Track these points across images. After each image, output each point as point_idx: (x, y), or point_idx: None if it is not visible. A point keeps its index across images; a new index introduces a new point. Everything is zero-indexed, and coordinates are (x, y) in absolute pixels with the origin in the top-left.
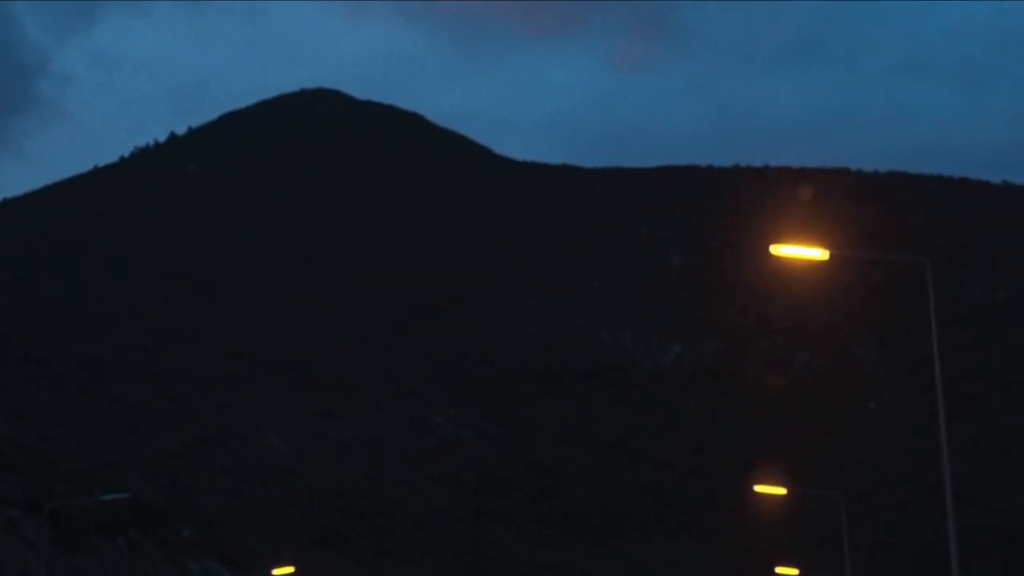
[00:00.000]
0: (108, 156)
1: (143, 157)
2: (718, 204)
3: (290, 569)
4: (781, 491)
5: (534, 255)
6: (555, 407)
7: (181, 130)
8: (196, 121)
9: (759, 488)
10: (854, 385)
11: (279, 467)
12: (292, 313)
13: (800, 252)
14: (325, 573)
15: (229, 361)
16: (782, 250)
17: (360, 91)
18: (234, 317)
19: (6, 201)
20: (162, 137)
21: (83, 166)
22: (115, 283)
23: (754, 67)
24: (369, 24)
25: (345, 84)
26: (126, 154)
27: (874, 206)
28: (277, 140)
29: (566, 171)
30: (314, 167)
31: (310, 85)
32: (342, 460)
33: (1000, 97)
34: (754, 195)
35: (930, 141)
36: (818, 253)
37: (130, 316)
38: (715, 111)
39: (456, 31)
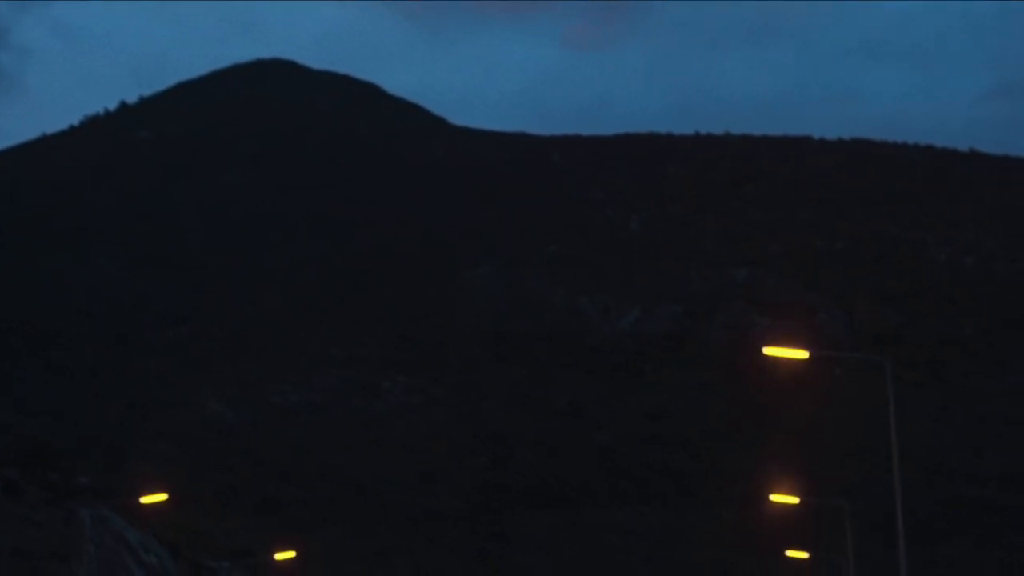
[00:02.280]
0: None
1: (93, 125)
2: (679, 171)
3: (162, 496)
4: (799, 353)
5: (488, 220)
6: (508, 372)
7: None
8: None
9: (772, 349)
10: (818, 351)
11: (219, 432)
12: (239, 278)
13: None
14: (266, 541)
15: (172, 326)
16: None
17: (318, 65)
18: (180, 282)
19: None
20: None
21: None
22: (59, 248)
23: (711, 46)
24: (329, 7)
25: (304, 60)
26: (76, 123)
27: (838, 173)
28: (229, 109)
29: (522, 139)
30: (265, 134)
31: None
32: (285, 426)
33: (955, 80)
34: (716, 162)
35: (885, 122)
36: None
37: (73, 281)
38: (673, 89)
39: (415, 10)
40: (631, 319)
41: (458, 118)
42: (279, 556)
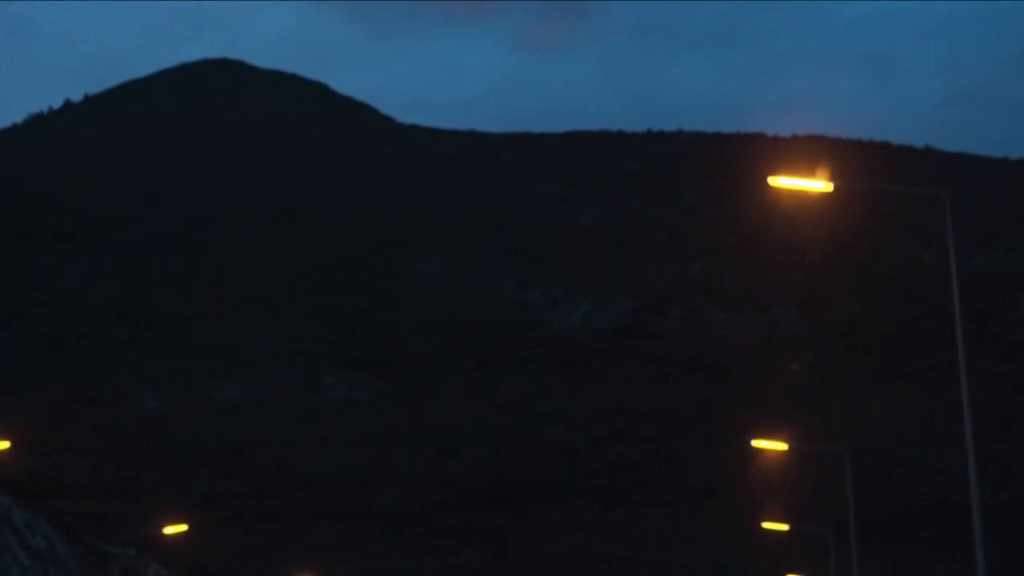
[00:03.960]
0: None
1: (38, 122)
2: (632, 167)
3: (4, 444)
4: (817, 185)
5: (438, 216)
6: (457, 366)
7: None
8: None
9: (779, 179)
10: (775, 346)
11: (155, 428)
12: (178, 273)
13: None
14: (203, 537)
15: (112, 322)
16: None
17: (270, 67)
18: (119, 277)
19: None
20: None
21: None
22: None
23: (666, 50)
24: (283, 10)
25: (257, 61)
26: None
27: (793, 169)
28: (175, 107)
29: (471, 137)
30: (211, 131)
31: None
32: (224, 421)
33: (909, 86)
34: (670, 159)
35: (841, 126)
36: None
37: (13, 275)
38: (627, 93)
39: (368, 13)
40: (580, 313)
41: (409, 120)
42: (168, 530)
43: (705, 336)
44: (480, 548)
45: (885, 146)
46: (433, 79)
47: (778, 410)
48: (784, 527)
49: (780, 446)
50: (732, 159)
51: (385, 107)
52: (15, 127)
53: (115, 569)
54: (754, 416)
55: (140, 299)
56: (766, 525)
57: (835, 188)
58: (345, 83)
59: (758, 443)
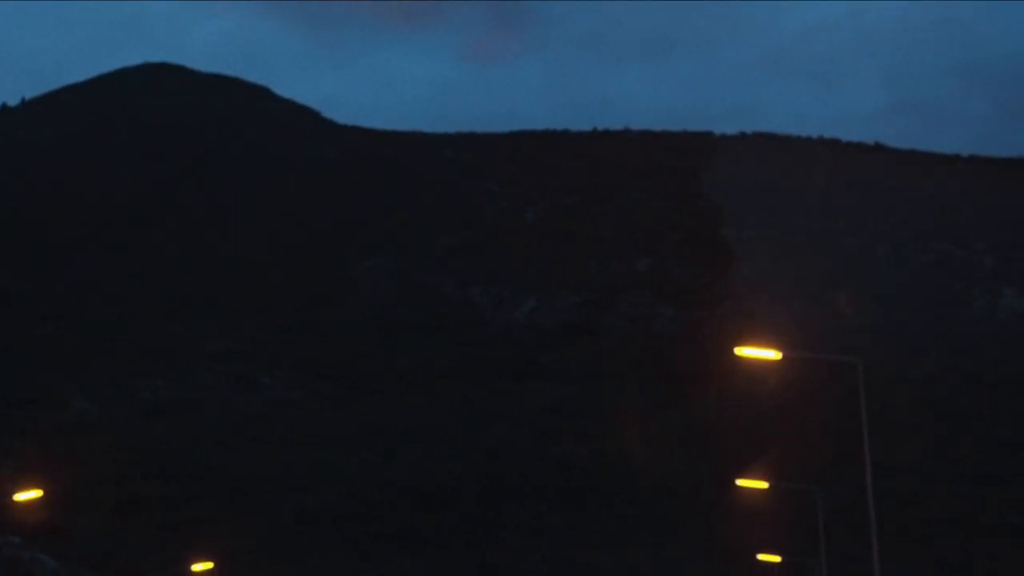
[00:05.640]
0: None
1: None
2: (577, 164)
3: None
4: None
5: (377, 214)
6: (400, 365)
7: None
8: None
9: None
10: (724, 341)
11: (83, 429)
12: (113, 273)
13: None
14: (128, 542)
15: (40, 322)
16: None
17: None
18: (52, 277)
19: None
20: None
21: None
22: None
23: (610, 60)
24: (225, 18)
25: (199, 67)
26: None
27: (742, 165)
28: (114, 109)
29: (414, 137)
30: (148, 133)
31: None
32: (154, 422)
33: (853, 96)
34: (616, 156)
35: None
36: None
37: None
38: (572, 103)
39: (313, 22)
40: (526, 310)
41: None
42: (19, 497)
43: (653, 332)
44: (423, 551)
45: (835, 143)
46: (376, 88)
47: (729, 405)
48: (764, 484)
49: (770, 356)
50: (680, 156)
51: (327, 113)
52: None
53: None
54: (705, 413)
55: (72, 299)
56: (741, 483)
57: None
58: (289, 89)
59: (741, 351)
